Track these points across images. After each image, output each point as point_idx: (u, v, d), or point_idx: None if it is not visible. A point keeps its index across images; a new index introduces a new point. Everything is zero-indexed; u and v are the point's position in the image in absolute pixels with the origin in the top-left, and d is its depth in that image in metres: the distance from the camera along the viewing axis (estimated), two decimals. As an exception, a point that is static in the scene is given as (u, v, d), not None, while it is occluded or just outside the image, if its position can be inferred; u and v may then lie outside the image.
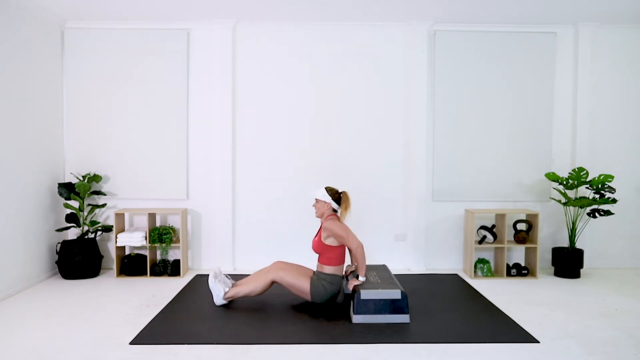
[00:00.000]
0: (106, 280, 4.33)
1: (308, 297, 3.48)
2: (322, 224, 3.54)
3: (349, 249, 3.45)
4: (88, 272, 4.36)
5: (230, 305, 3.59)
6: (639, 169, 4.85)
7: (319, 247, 3.50)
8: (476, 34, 4.73)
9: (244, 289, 3.51)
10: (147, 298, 3.79)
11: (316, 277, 3.51)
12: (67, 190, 4.42)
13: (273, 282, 3.52)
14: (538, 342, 2.92)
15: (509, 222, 4.64)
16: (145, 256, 4.56)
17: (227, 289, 3.53)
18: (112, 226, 4.54)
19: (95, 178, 4.55)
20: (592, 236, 4.82)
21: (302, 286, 3.46)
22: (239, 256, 4.79)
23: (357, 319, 3.21)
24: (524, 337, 2.99)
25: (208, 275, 4.36)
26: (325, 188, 3.56)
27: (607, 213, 4.45)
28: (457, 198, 4.80)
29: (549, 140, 4.80)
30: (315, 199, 3.58)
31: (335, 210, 3.56)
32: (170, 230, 4.50)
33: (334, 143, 4.75)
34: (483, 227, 4.63)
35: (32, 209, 4.19)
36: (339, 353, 2.76)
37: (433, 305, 3.62)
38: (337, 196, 3.56)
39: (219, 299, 3.54)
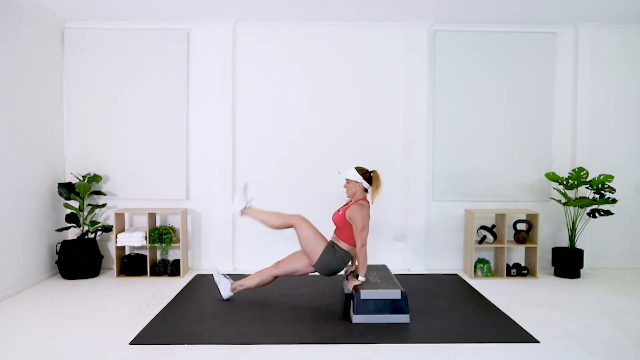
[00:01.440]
0: (106, 280, 4.33)
1: (313, 259, 3.44)
2: (350, 203, 3.55)
3: (356, 241, 3.43)
4: (88, 272, 4.36)
5: (231, 304, 3.59)
6: (639, 169, 4.86)
7: (340, 221, 3.49)
8: (476, 33, 4.73)
9: (254, 279, 3.62)
10: (147, 298, 3.79)
11: (331, 245, 3.51)
12: (67, 190, 4.42)
13: (276, 277, 3.62)
14: (538, 342, 2.92)
15: (509, 222, 4.64)
16: (145, 256, 4.56)
17: (232, 281, 3.68)
18: (112, 226, 4.54)
19: (95, 178, 4.55)
20: (592, 236, 4.81)
21: (316, 246, 3.43)
22: (239, 256, 4.79)
23: (357, 319, 3.21)
24: (524, 337, 2.99)
25: (208, 275, 4.40)
26: (356, 168, 3.56)
27: (607, 213, 4.45)
28: (457, 198, 4.80)
29: (549, 140, 4.80)
30: (346, 180, 3.56)
31: (366, 190, 3.55)
32: (170, 230, 4.50)
33: (334, 142, 4.75)
34: (483, 227, 4.63)
35: (32, 209, 4.19)
36: (339, 353, 2.76)
37: (433, 305, 3.62)
38: (368, 175, 3.54)
39: (226, 291, 3.65)
